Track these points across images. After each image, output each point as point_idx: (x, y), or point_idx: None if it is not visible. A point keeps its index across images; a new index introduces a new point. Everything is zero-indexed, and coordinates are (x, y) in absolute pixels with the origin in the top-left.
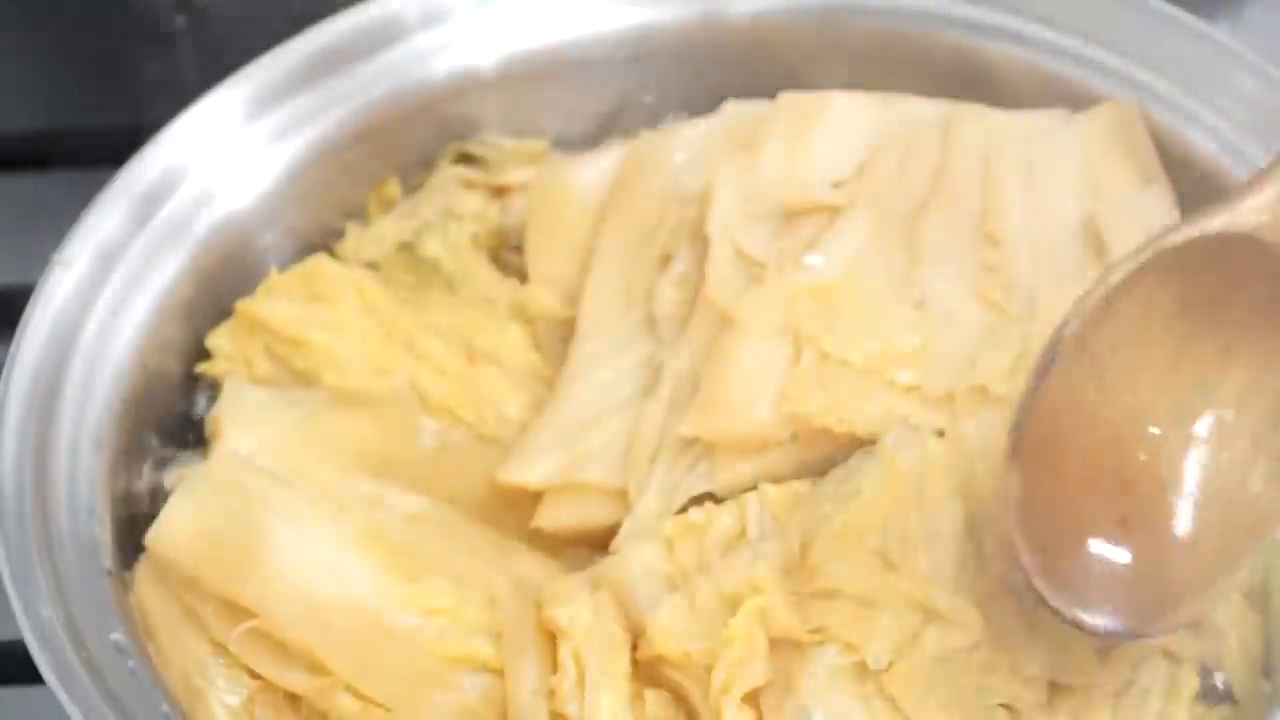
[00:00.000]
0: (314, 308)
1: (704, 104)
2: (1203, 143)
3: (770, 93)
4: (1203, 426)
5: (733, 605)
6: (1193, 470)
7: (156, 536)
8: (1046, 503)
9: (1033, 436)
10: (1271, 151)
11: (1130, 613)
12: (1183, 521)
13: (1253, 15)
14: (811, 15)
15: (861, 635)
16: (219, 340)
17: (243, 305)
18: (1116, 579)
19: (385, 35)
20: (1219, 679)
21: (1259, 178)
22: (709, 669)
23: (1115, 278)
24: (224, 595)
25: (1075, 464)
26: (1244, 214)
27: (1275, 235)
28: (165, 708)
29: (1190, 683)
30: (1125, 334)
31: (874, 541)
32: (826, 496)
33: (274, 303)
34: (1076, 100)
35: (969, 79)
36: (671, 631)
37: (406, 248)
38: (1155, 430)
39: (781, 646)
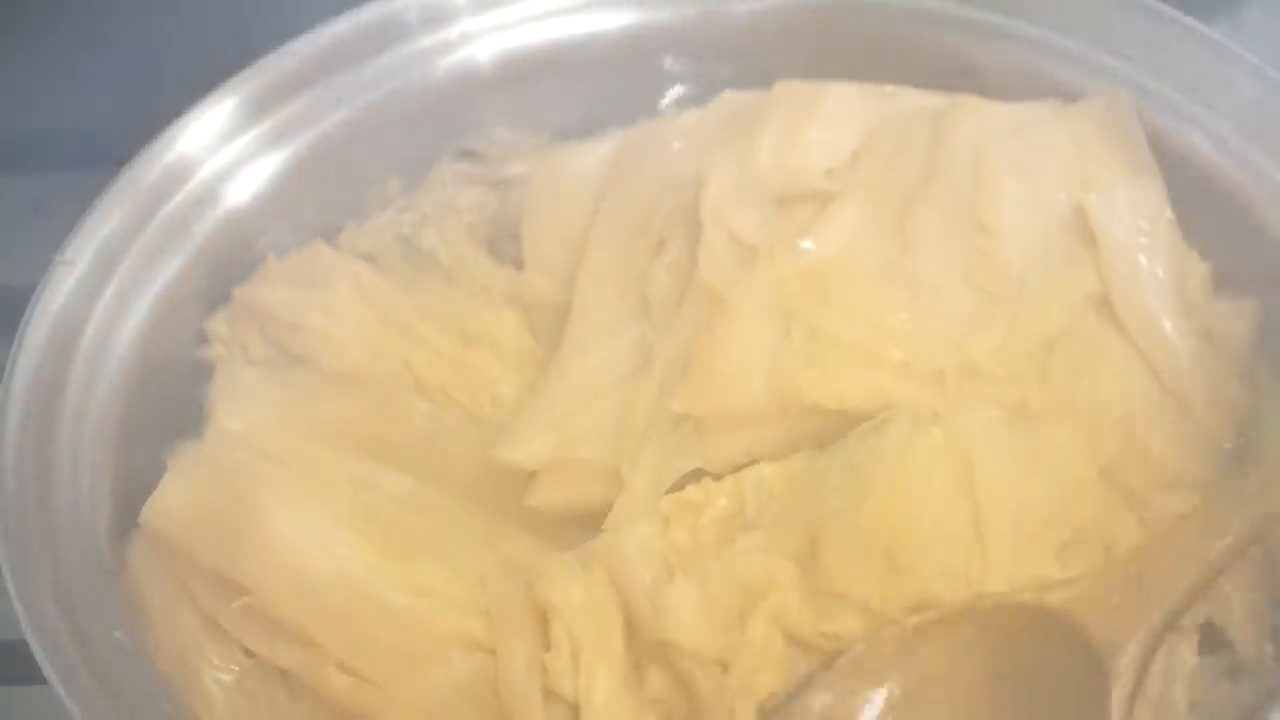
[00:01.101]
0: (311, 293)
1: (702, 102)
2: (1201, 143)
3: (767, 89)
4: None
5: (746, 593)
6: None
7: (151, 511)
8: None
9: None
10: (1269, 152)
11: None
12: None
13: (1249, 17)
14: (809, 14)
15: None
16: (216, 325)
17: (240, 290)
18: None
19: (386, 35)
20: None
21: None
22: (722, 664)
23: (930, 616)
24: (217, 571)
25: None
26: (1054, 591)
27: (1085, 612)
28: (167, 706)
29: (1188, 660)
30: (926, 685)
31: (882, 542)
32: (833, 487)
33: (271, 288)
34: (1073, 100)
35: (966, 78)
36: (684, 620)
37: (404, 240)
38: None
39: (795, 645)
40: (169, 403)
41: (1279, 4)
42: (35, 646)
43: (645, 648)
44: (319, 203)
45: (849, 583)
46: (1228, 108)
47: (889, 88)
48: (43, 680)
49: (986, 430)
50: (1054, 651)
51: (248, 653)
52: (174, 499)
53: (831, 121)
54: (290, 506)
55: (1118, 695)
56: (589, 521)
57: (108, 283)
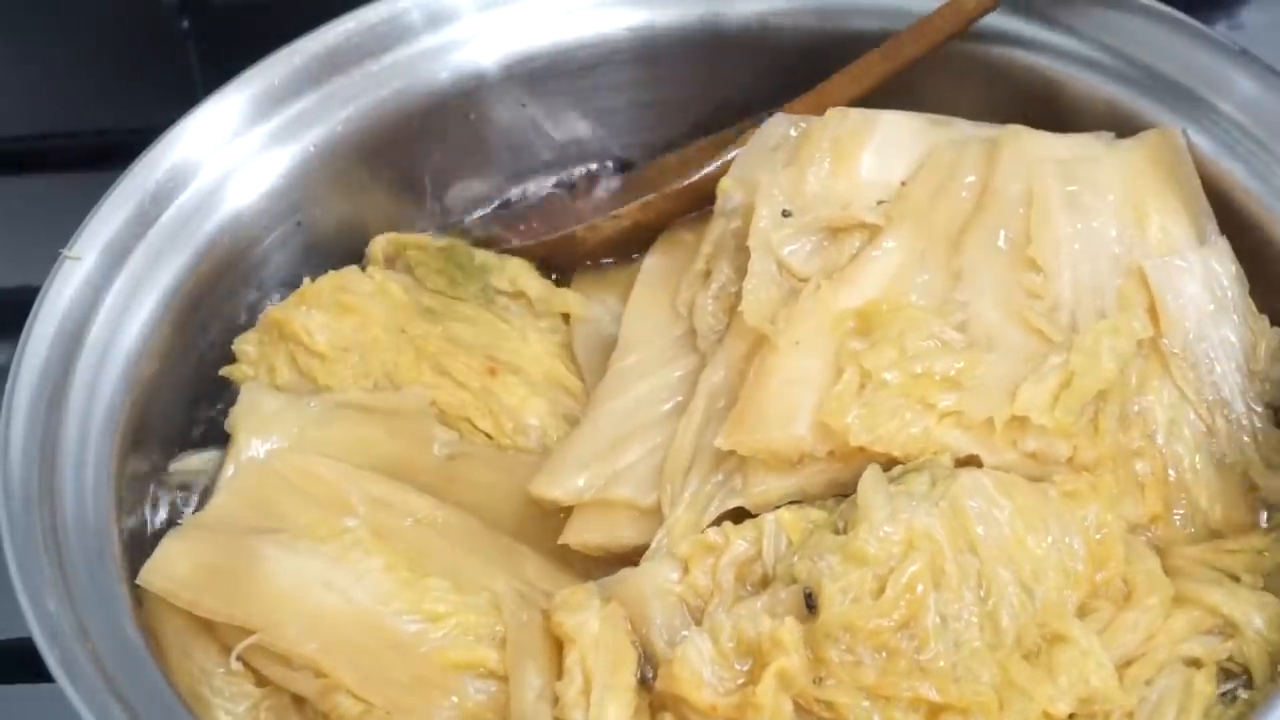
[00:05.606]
0: (341, 321)
1: (706, 103)
2: (1202, 143)
3: (771, 92)
4: None
5: (755, 654)
6: None
7: (149, 573)
8: None
9: None
10: (1274, 154)
11: None
12: None
13: (1249, 17)
14: (812, 15)
15: None
16: (246, 345)
17: (273, 312)
18: None
19: (391, 36)
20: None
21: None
22: None
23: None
24: (224, 619)
25: None
26: None
27: None
28: (174, 703)
29: (1205, 691)
30: None
31: (887, 637)
32: (832, 548)
33: (303, 313)
34: (1075, 99)
35: (967, 77)
36: (695, 677)
37: (446, 250)
38: None
39: (801, 712)
40: (175, 400)
41: (1279, 4)
42: (41, 642)
43: (659, 694)
44: (325, 202)
45: (846, 673)
46: (1228, 108)
47: (940, 116)
48: (49, 678)
49: (990, 506)
50: None
51: (260, 684)
52: (173, 561)
53: (882, 150)
54: (289, 551)
55: None
56: (623, 563)
57: (113, 280)
